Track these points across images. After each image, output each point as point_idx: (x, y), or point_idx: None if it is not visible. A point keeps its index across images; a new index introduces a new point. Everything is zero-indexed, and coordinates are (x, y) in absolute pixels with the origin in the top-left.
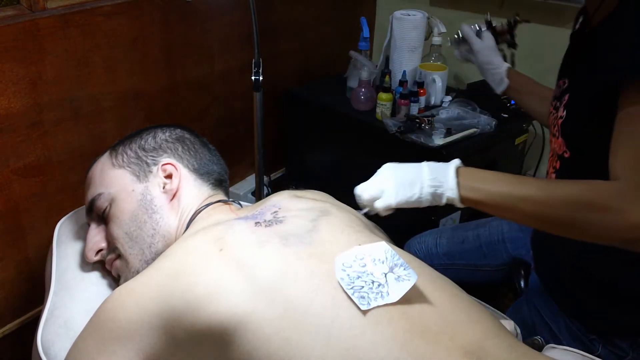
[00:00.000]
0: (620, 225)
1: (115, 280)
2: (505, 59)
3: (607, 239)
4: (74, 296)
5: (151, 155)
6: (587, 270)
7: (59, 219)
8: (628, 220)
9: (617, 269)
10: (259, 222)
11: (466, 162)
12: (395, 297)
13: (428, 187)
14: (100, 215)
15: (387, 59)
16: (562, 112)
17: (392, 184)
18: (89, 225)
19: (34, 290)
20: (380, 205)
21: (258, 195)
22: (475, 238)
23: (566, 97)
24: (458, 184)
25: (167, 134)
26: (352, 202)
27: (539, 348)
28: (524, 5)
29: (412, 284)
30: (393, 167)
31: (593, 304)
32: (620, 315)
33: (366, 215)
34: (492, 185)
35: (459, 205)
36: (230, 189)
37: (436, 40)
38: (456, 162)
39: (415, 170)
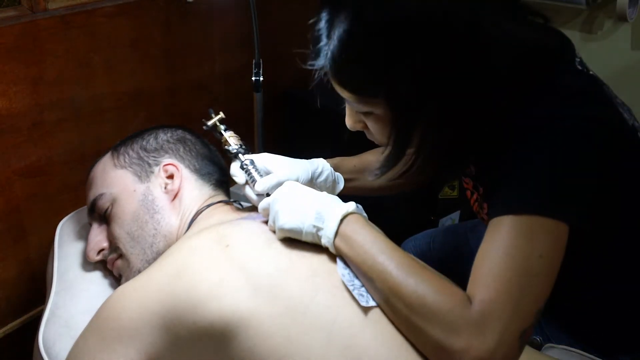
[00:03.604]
0: (450, 350)
1: (116, 280)
2: None
3: (433, 356)
4: (75, 296)
5: (153, 156)
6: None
7: (61, 219)
8: (460, 348)
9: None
10: (265, 221)
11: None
12: None
13: (310, 226)
14: (101, 215)
15: None
16: (484, 205)
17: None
18: (90, 225)
19: (35, 290)
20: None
21: None
22: (465, 244)
23: (481, 190)
24: (337, 232)
25: (168, 134)
26: (352, 202)
27: (538, 347)
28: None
29: None
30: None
31: (590, 329)
32: (614, 334)
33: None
34: (366, 248)
35: (332, 251)
36: (231, 189)
37: None
38: (349, 207)
39: (307, 202)
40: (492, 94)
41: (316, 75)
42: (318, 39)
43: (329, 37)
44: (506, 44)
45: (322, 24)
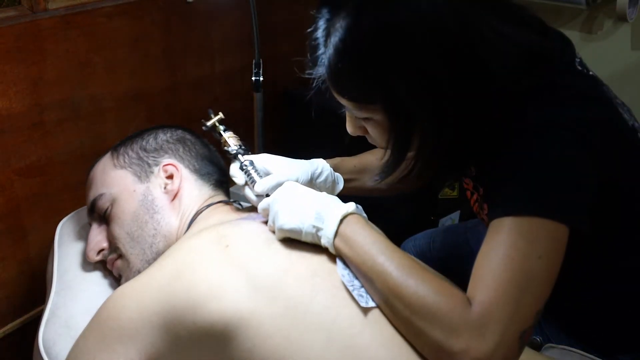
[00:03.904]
0: (450, 351)
1: (116, 280)
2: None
3: (433, 357)
4: (75, 296)
5: (152, 156)
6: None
7: (60, 219)
8: (460, 349)
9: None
10: (265, 222)
11: None
12: None
13: (310, 226)
14: (101, 216)
15: None
16: (485, 205)
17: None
18: (90, 225)
19: (35, 290)
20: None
21: None
22: (465, 244)
23: (481, 190)
24: (337, 233)
25: (168, 134)
26: (352, 202)
27: (538, 347)
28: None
29: None
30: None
31: (590, 329)
32: (613, 333)
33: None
34: (366, 249)
35: (332, 252)
36: (231, 189)
37: None
38: (349, 207)
39: (306, 202)
40: (490, 97)
41: (314, 84)
42: (316, 48)
43: (326, 45)
44: (503, 47)
45: (319, 33)
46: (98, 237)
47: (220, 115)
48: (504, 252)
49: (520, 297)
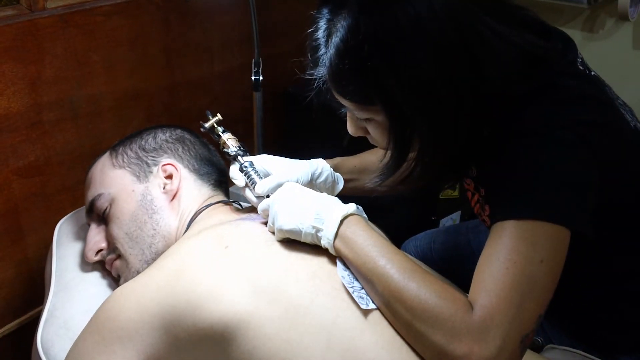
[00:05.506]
0: (452, 355)
1: (115, 280)
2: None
3: None
4: (73, 297)
5: (151, 156)
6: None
7: (59, 220)
8: (462, 353)
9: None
10: (265, 222)
11: None
12: None
13: (310, 227)
14: (100, 216)
15: None
16: (486, 207)
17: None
18: (89, 225)
19: (33, 290)
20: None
21: None
22: (466, 244)
23: (482, 191)
24: (337, 234)
25: (167, 134)
26: (352, 202)
27: (539, 348)
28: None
29: None
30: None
31: (591, 330)
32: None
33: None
34: (366, 250)
35: (332, 252)
36: (230, 189)
37: None
38: (349, 208)
39: (306, 203)
40: (489, 99)
41: (315, 85)
42: (317, 48)
43: (327, 46)
44: (502, 49)
45: (320, 33)
46: (97, 237)
47: (219, 116)
48: (505, 256)
49: (522, 302)
